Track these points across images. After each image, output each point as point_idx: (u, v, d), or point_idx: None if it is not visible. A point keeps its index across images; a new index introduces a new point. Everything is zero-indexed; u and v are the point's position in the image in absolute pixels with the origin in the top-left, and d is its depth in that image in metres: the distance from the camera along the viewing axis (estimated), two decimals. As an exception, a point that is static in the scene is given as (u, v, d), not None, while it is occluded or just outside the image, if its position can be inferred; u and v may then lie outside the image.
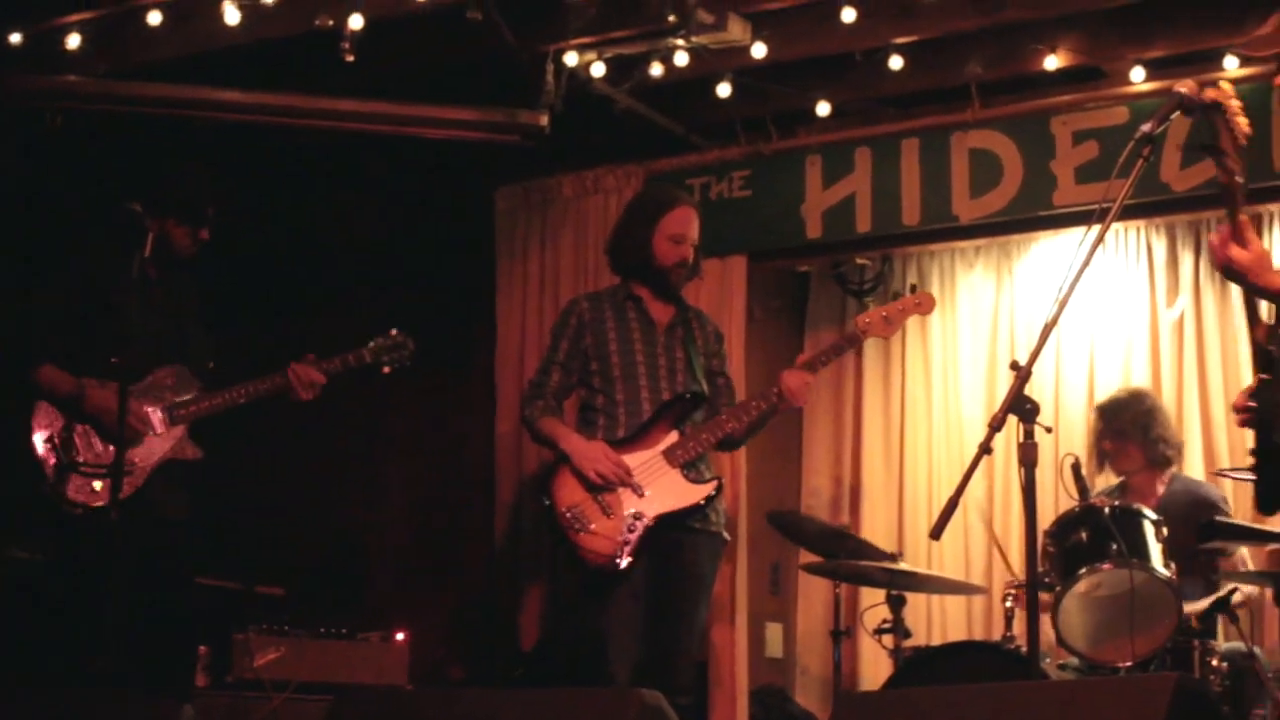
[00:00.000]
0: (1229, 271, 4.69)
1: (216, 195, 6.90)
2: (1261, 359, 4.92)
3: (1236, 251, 4.61)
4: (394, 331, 7.18)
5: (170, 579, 6.76)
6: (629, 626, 6.56)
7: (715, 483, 6.73)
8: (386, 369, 7.17)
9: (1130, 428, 7.53)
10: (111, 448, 6.42)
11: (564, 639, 8.37)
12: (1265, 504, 5.08)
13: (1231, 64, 7.61)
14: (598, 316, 6.97)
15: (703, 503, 6.68)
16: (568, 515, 6.63)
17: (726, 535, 6.95)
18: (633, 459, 6.66)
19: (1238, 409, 5.09)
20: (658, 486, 6.64)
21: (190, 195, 6.83)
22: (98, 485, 6.52)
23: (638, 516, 6.58)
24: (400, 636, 8.07)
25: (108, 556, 6.11)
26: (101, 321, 6.47)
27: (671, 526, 6.63)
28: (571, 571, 6.92)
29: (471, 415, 9.28)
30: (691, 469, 6.72)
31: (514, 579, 8.90)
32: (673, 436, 6.72)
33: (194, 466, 6.87)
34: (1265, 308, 4.98)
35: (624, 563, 6.53)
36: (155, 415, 6.72)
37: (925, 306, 7.11)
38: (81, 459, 6.55)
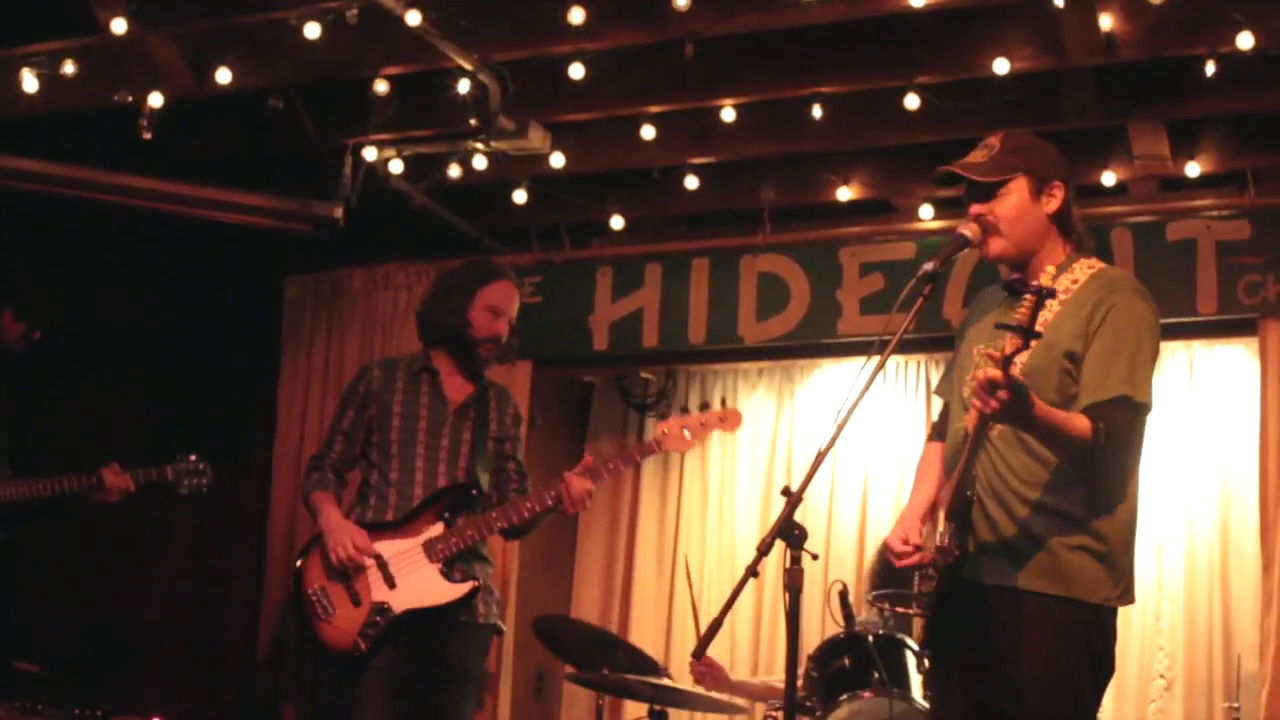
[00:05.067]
0: (1016, 400, 4.26)
1: (57, 296, 6.95)
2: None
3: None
4: (193, 457, 7.15)
5: None
6: (376, 716, 6.24)
7: (472, 584, 6.36)
8: (184, 491, 7.15)
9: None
10: None
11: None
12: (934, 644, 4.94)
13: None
14: (387, 386, 6.63)
15: (453, 603, 6.36)
16: (312, 598, 6.35)
17: (501, 625, 6.69)
18: (391, 546, 6.36)
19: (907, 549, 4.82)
20: (410, 580, 6.32)
21: (37, 294, 6.85)
22: None
23: (383, 610, 6.27)
24: (156, 721, 7.93)
25: None
26: None
27: (433, 621, 6.34)
28: (311, 654, 6.69)
29: (247, 502, 9.17)
30: (452, 566, 6.38)
31: (278, 667, 8.78)
32: (437, 529, 6.39)
33: None
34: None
35: (359, 651, 6.23)
36: None
37: (730, 424, 6.79)
38: None
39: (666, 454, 8.02)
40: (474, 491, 6.54)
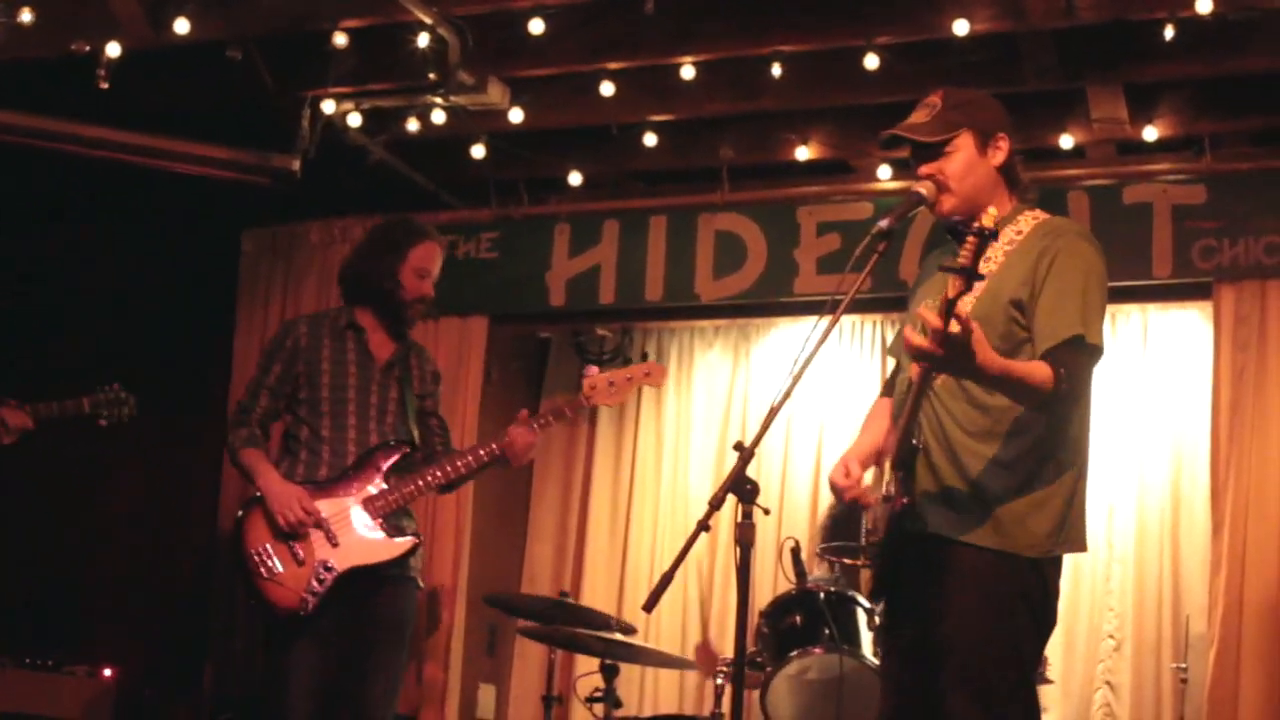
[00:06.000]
0: (954, 348, 4.19)
1: None
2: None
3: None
4: (115, 385, 7.07)
5: None
6: (310, 675, 6.27)
7: (413, 540, 6.43)
8: (103, 422, 7.06)
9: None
10: None
11: (251, 683, 8.25)
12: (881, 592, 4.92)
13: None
14: (314, 343, 6.63)
15: (396, 559, 6.41)
16: (255, 558, 6.32)
17: (420, 582, 6.65)
18: (330, 504, 6.36)
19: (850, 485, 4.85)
20: (352, 537, 6.34)
21: None
22: None
23: (328, 568, 6.28)
24: (108, 673, 7.93)
25: None
26: None
27: (367, 576, 6.36)
28: (255, 614, 6.68)
29: (201, 455, 9.14)
30: (391, 521, 6.42)
31: (230, 621, 8.76)
32: (375, 485, 6.43)
33: None
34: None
35: (307, 610, 6.24)
36: None
37: (655, 378, 6.81)
38: None
39: (617, 408, 8.06)
40: (407, 448, 6.57)
